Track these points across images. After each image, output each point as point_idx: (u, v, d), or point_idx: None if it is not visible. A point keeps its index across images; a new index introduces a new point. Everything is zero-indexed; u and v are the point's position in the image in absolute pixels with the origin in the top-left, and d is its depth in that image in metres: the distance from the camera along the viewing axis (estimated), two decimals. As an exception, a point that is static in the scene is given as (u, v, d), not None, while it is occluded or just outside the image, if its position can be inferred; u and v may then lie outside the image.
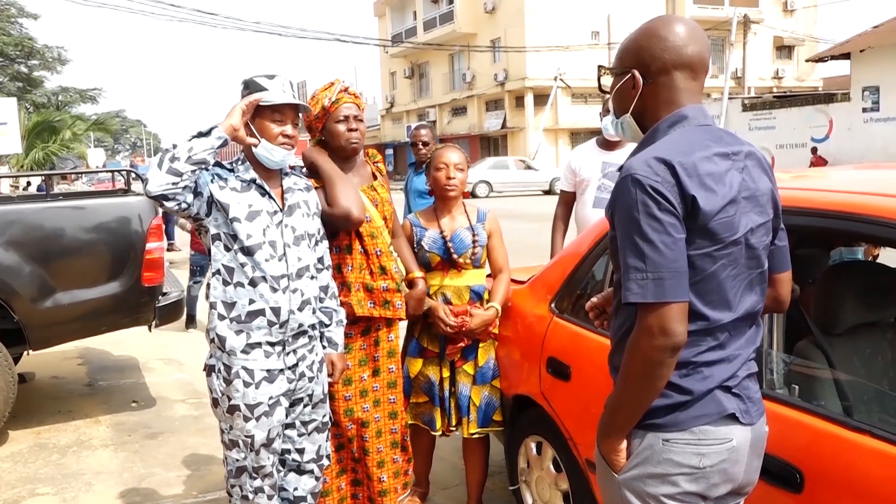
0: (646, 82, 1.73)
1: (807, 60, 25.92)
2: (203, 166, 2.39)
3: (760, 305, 1.75)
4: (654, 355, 1.56)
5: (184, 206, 2.41)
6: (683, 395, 1.64)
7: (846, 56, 20.25)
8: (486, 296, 3.26)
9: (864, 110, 19.46)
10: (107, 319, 4.74)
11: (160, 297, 4.85)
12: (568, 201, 4.44)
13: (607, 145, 4.24)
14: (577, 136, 36.48)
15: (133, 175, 5.89)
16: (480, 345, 3.22)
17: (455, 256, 3.18)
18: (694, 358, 1.64)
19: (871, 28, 20.07)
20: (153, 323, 4.90)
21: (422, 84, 45.21)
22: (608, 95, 1.89)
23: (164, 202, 2.36)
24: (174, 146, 2.38)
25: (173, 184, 2.33)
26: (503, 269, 3.33)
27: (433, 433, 3.30)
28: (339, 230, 2.93)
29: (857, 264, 3.07)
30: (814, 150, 19.57)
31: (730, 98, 22.88)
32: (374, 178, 3.14)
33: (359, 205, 2.88)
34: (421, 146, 5.41)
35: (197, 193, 2.44)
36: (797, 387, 2.07)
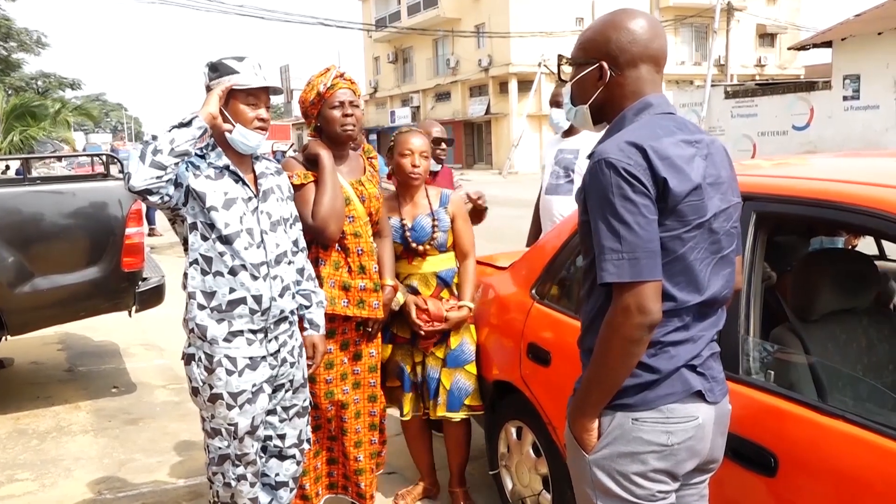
0: (613, 74, 1.77)
1: (789, 48, 25.94)
2: (185, 157, 2.35)
3: (727, 291, 1.79)
4: (632, 333, 1.60)
5: (166, 198, 2.37)
6: (652, 374, 1.69)
7: (828, 44, 20.30)
8: (455, 279, 3.25)
9: (845, 98, 19.54)
10: (86, 305, 4.70)
11: (140, 283, 4.82)
12: None
13: (565, 134, 4.28)
14: (560, 123, 36.43)
15: (112, 159, 5.83)
16: (462, 330, 3.21)
17: (413, 245, 3.15)
18: (662, 338, 1.68)
19: (852, 17, 20.13)
20: (133, 308, 4.87)
21: (405, 69, 45.00)
22: (566, 84, 1.93)
23: (148, 196, 2.32)
24: (154, 138, 2.32)
25: (157, 177, 2.28)
26: (468, 253, 3.26)
27: (401, 418, 3.31)
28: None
29: (833, 252, 3.10)
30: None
31: (712, 85, 22.92)
32: (365, 171, 3.12)
33: (338, 222, 2.88)
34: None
35: (177, 185, 2.41)
36: (773, 372, 2.10)
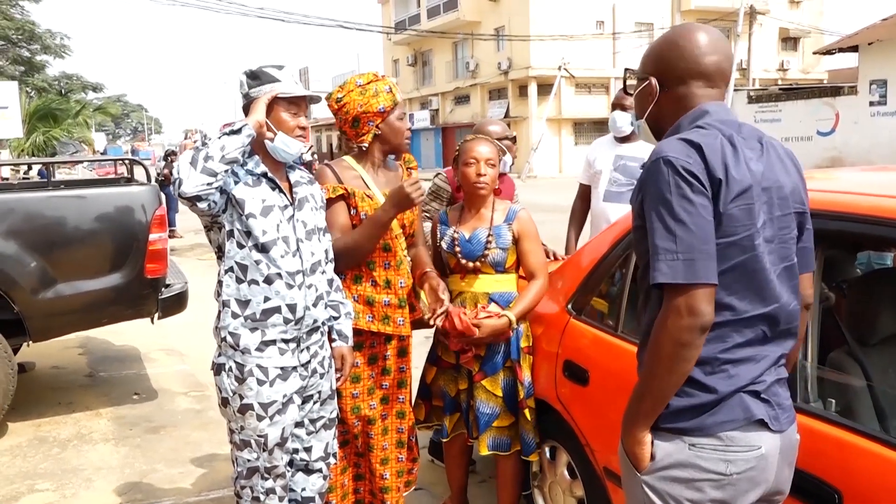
0: (662, 90, 1.77)
1: (814, 53, 25.71)
2: (234, 165, 2.32)
3: (793, 304, 1.70)
4: (682, 336, 1.54)
5: (212, 205, 2.35)
6: (708, 394, 1.62)
7: (854, 49, 20.07)
8: (512, 305, 2.92)
9: (872, 104, 19.30)
10: (108, 311, 4.65)
11: (163, 289, 4.76)
12: (585, 194, 4.42)
13: (621, 139, 4.18)
14: (580, 127, 36.38)
15: (136, 163, 5.80)
16: (516, 362, 2.93)
17: (463, 261, 2.95)
18: (719, 354, 1.62)
19: (879, 21, 19.89)
20: (156, 315, 4.81)
21: (425, 72, 44.99)
22: (630, 96, 1.92)
23: (197, 203, 2.29)
24: (204, 144, 2.29)
25: (208, 184, 2.26)
26: (536, 274, 2.96)
27: (442, 439, 3.18)
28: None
29: (892, 272, 2.93)
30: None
31: (735, 90, 22.71)
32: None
33: (347, 266, 2.78)
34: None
35: (222, 191, 2.38)
36: (833, 400, 1.98)
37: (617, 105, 4.15)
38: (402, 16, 44.27)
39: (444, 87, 42.13)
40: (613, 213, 4.05)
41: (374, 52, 61.39)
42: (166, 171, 14.98)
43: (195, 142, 2.37)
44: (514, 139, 3.85)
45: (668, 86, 1.76)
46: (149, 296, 4.65)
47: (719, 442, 1.62)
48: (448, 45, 41.11)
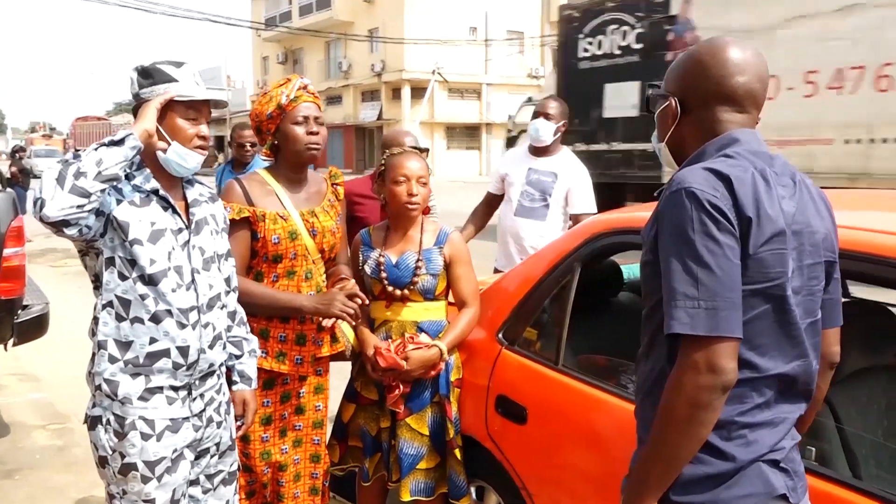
0: (684, 112, 1.58)
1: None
2: (114, 183, 1.92)
3: (815, 363, 1.52)
4: (700, 396, 1.34)
5: (85, 230, 1.93)
6: (725, 463, 1.43)
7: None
8: (442, 335, 2.69)
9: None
10: (-49, 338, 4.03)
11: (19, 312, 4.18)
12: (490, 202, 4.30)
13: (536, 151, 4.03)
14: (452, 131, 36.74)
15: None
16: (445, 397, 2.68)
17: (389, 287, 2.67)
18: (737, 417, 1.43)
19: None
20: (10, 341, 4.22)
21: (296, 70, 44.01)
22: (652, 114, 1.69)
23: (64, 228, 1.87)
24: (76, 157, 1.89)
25: (78, 206, 1.84)
26: (468, 302, 2.73)
27: (363, 483, 2.87)
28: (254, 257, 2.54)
29: (856, 304, 2.82)
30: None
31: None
32: (324, 199, 2.69)
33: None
34: (248, 147, 5.27)
35: (98, 213, 1.96)
36: (812, 448, 1.85)
37: (540, 113, 3.96)
38: (273, 12, 43.22)
39: (315, 86, 40.69)
40: (525, 230, 3.91)
41: (243, 48, 59.61)
42: (13, 168, 13.82)
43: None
44: (427, 151, 3.59)
45: (689, 108, 1.56)
46: (2, 319, 4.07)
47: None
48: (320, 44, 40.44)
